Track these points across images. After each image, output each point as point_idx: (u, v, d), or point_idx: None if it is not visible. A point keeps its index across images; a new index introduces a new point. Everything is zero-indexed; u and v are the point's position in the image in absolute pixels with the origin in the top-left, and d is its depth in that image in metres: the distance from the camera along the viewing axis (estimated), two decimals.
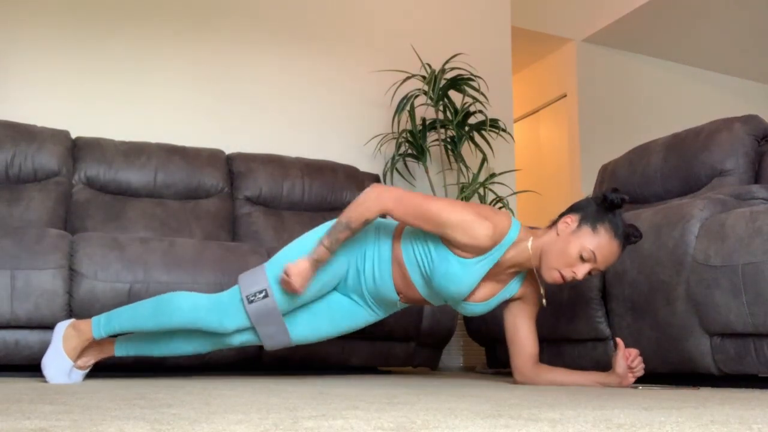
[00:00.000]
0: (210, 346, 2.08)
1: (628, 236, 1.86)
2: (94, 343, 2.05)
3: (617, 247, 1.84)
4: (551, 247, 1.85)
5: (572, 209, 1.90)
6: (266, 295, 1.95)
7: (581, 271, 1.82)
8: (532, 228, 2.00)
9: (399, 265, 1.99)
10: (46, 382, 1.94)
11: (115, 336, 2.08)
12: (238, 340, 2.05)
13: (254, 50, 3.92)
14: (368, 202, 1.86)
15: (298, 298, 1.99)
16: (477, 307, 2.00)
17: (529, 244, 1.89)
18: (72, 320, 2.02)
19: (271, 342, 2.05)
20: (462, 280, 1.90)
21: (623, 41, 5.84)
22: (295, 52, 4.02)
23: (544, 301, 2.01)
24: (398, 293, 2.03)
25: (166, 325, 1.95)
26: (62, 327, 2.00)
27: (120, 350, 2.08)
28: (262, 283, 1.96)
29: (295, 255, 1.99)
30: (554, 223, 1.92)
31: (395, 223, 2.05)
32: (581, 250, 1.81)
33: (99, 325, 1.97)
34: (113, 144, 3.25)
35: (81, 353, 2.00)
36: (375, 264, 2.01)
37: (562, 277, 1.84)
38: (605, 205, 1.85)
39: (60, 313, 2.29)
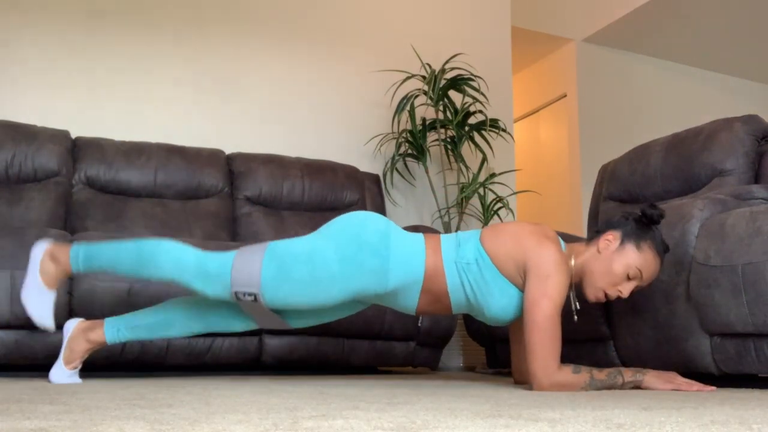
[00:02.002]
0: (207, 328, 2.02)
1: (652, 221, 1.85)
2: (82, 341, 1.97)
3: (660, 263, 1.85)
4: (594, 266, 1.84)
5: (610, 226, 1.88)
6: (255, 299, 1.84)
7: (627, 289, 1.83)
8: (567, 239, 1.97)
9: (430, 293, 1.90)
10: (48, 381, 1.94)
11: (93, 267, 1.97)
12: (239, 327, 2.01)
13: (254, 50, 3.92)
14: (563, 383, 1.74)
15: (294, 306, 1.89)
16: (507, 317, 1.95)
17: (572, 262, 1.87)
18: (48, 246, 1.91)
19: (267, 326, 2.01)
20: (520, 311, 1.89)
21: (623, 41, 5.84)
22: (295, 52, 4.02)
23: (575, 317, 1.96)
24: (417, 311, 1.98)
25: (147, 277, 1.88)
26: (39, 252, 1.90)
27: (111, 338, 1.99)
28: (254, 285, 1.82)
29: (302, 264, 1.81)
30: (592, 238, 1.89)
31: (421, 257, 1.88)
32: (627, 268, 1.81)
33: (77, 260, 1.88)
34: (113, 144, 3.25)
35: (69, 352, 1.95)
36: (399, 299, 1.93)
37: (606, 296, 1.85)
38: (644, 220, 1.84)
39: (60, 313, 2.29)
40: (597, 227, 1.92)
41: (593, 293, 1.85)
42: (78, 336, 1.97)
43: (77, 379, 1.98)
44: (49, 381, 1.95)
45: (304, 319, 2.04)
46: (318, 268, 1.82)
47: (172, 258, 1.85)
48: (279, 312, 1.99)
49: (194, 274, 1.84)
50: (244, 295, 1.83)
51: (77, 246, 1.91)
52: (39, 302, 1.89)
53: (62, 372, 1.95)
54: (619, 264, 1.81)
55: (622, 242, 1.83)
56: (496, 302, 1.85)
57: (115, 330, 1.97)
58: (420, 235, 1.93)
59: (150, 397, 1.39)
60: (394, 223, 1.95)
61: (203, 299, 2.01)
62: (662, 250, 1.84)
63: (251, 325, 2.03)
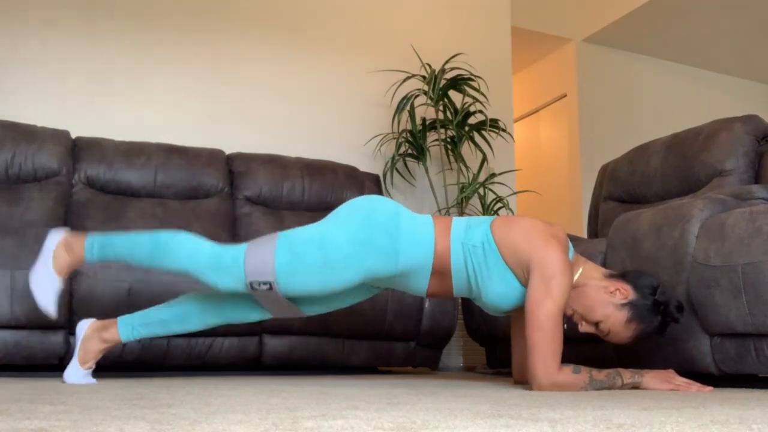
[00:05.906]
0: (223, 321, 2.04)
1: (666, 316, 1.83)
2: (97, 341, 1.98)
3: (632, 342, 1.86)
4: (590, 294, 1.85)
5: (635, 283, 1.84)
6: (270, 288, 1.85)
7: (586, 329, 1.87)
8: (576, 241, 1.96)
9: (438, 275, 1.93)
10: (62, 380, 1.94)
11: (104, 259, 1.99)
12: (254, 317, 2.03)
13: (254, 50, 3.92)
14: (563, 383, 1.74)
15: (309, 293, 1.90)
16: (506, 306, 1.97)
17: (577, 276, 1.87)
18: (64, 235, 1.92)
19: (281, 315, 2.03)
20: (517, 301, 1.90)
21: (623, 41, 5.84)
22: (295, 52, 4.02)
23: (564, 325, 1.98)
24: (427, 294, 1.99)
25: (160, 267, 1.90)
26: (53, 240, 1.91)
27: (126, 336, 2.00)
28: (269, 273, 1.83)
29: (315, 249, 1.83)
30: (614, 275, 1.88)
31: (430, 237, 1.90)
32: (603, 321, 1.83)
33: (92, 250, 1.90)
34: (113, 144, 3.25)
35: (83, 353, 1.96)
36: (410, 281, 1.95)
37: (571, 317, 1.89)
38: (661, 309, 1.81)
39: (60, 314, 2.29)
40: (627, 271, 1.89)
41: (567, 308, 1.89)
42: (92, 336, 1.98)
43: (92, 380, 1.98)
44: (63, 381, 1.95)
45: (317, 306, 2.05)
46: (330, 252, 1.83)
47: (187, 249, 1.86)
48: (292, 300, 2.00)
49: (208, 266, 1.86)
50: (260, 284, 1.85)
51: (92, 236, 1.93)
52: (46, 287, 1.89)
53: (77, 372, 1.95)
54: (603, 313, 1.83)
55: (624, 305, 1.82)
56: (495, 288, 1.87)
57: (129, 328, 1.98)
58: (428, 217, 1.95)
59: (150, 397, 1.39)
60: (402, 206, 1.97)
61: (216, 292, 2.01)
62: (642, 336, 1.84)
63: (266, 315, 2.04)
